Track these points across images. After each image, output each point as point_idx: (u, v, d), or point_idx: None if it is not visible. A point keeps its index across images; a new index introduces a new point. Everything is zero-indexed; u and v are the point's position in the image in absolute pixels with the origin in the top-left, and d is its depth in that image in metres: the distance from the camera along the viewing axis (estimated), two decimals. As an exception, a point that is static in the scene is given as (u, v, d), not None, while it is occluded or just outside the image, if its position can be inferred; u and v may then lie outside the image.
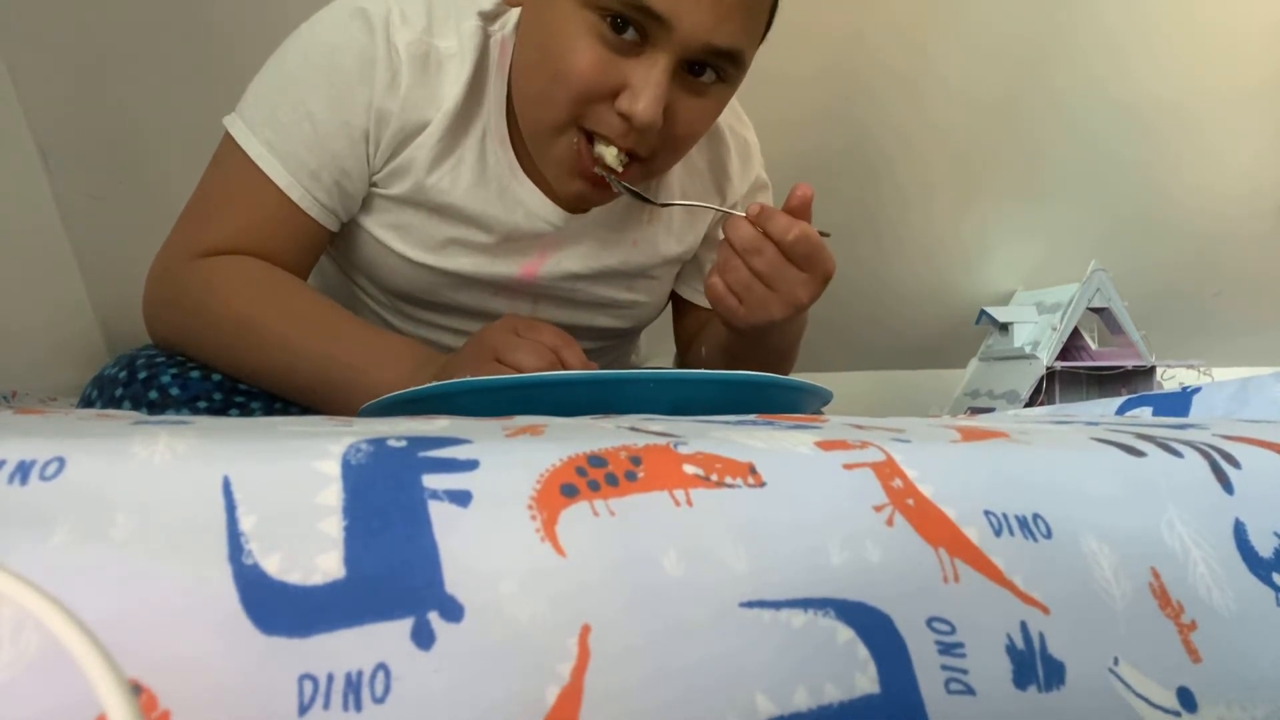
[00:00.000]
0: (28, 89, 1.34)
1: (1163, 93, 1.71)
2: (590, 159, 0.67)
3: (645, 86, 0.62)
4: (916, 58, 1.58)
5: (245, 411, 0.70)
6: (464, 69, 0.70)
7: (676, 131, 0.67)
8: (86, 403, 0.69)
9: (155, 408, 0.66)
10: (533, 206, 0.75)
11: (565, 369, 0.58)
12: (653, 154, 0.68)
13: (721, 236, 0.68)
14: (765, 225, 0.64)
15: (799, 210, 0.65)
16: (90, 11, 1.29)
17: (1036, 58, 1.63)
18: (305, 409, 0.72)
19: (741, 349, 0.78)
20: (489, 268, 0.78)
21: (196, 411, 0.67)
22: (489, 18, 0.72)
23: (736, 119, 0.88)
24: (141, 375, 0.68)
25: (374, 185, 0.74)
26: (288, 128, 0.69)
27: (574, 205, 0.75)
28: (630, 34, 0.61)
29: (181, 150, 1.39)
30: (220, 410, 0.68)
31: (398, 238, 0.75)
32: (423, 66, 0.70)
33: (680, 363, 1.01)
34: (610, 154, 0.66)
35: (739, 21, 0.62)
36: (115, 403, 0.67)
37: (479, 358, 0.59)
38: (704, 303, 0.92)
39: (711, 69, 0.65)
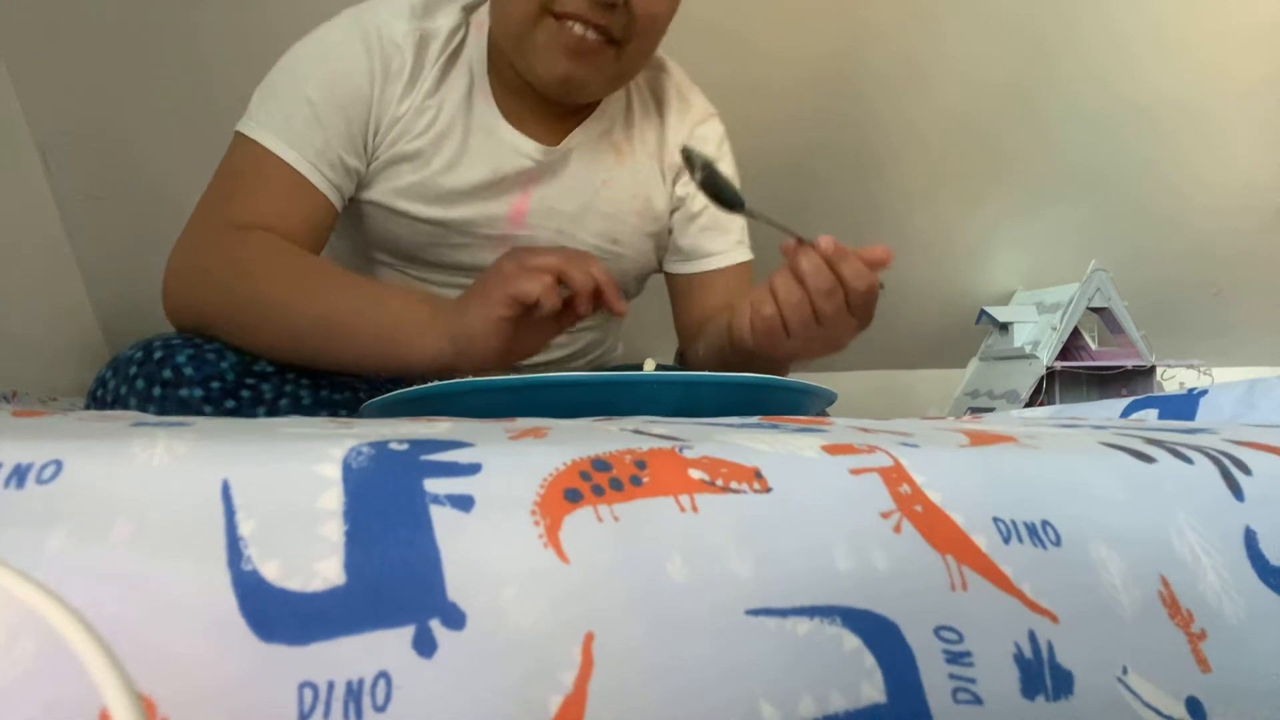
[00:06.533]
0: (28, 89, 1.34)
1: (1169, 88, 1.70)
2: (569, 32, 0.74)
3: None
4: (925, 43, 1.58)
5: (255, 393, 0.71)
6: (451, 40, 0.82)
7: (638, 11, 0.75)
8: (101, 383, 0.71)
9: (169, 385, 0.68)
10: (515, 144, 0.85)
11: (573, 286, 0.65)
12: (625, 37, 0.76)
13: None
14: (839, 266, 0.65)
15: (874, 265, 0.66)
16: (90, 12, 1.28)
17: (1043, 51, 1.62)
18: (313, 384, 0.75)
19: (744, 366, 0.79)
20: (483, 210, 0.85)
21: (209, 391, 0.69)
22: (469, 9, 0.84)
23: (690, 87, 0.97)
24: (157, 355, 0.70)
25: (375, 158, 0.82)
26: (291, 115, 0.76)
27: (563, 92, 0.81)
28: None
29: (181, 150, 1.39)
30: (232, 390, 0.70)
31: (402, 198, 0.83)
32: (420, 49, 0.80)
33: (681, 358, 1.01)
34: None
35: None
36: (130, 381, 0.69)
37: (484, 294, 0.65)
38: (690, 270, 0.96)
39: None
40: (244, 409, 0.70)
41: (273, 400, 0.72)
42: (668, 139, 0.93)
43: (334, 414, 0.75)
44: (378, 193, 0.83)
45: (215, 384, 0.69)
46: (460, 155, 0.83)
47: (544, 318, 0.66)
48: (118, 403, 0.69)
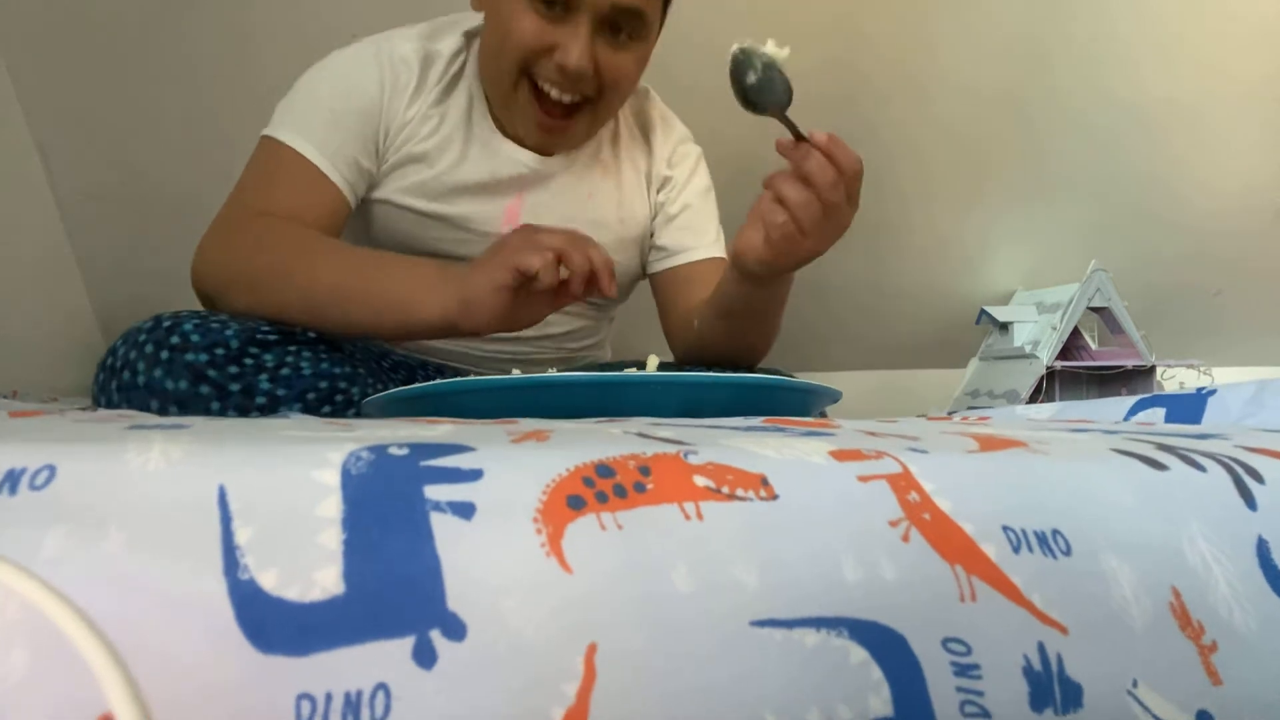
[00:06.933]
0: (28, 89, 1.34)
1: (1166, 91, 1.70)
2: (547, 104, 0.85)
3: (572, 42, 0.81)
4: (920, 53, 1.57)
5: (258, 361, 0.75)
6: (453, 62, 0.92)
7: (607, 78, 0.85)
8: (112, 352, 0.75)
9: (176, 350, 0.72)
10: (511, 153, 0.94)
11: (570, 267, 0.70)
12: (598, 95, 0.86)
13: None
14: (836, 154, 0.69)
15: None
16: (90, 12, 1.28)
17: (1040, 54, 1.62)
18: (313, 356, 0.77)
19: (752, 302, 0.84)
20: (480, 208, 0.93)
21: (214, 356, 0.73)
22: (470, 35, 0.94)
23: (670, 113, 1.07)
24: (166, 324, 0.74)
25: (385, 160, 0.90)
26: (310, 119, 0.86)
27: (543, 150, 0.93)
28: (558, 8, 0.81)
29: (181, 151, 1.39)
30: (235, 357, 0.73)
31: (409, 195, 0.91)
32: (426, 65, 0.90)
33: (675, 350, 1.02)
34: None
35: None
36: (139, 347, 0.73)
37: (491, 261, 0.71)
38: (683, 260, 1.02)
39: (624, 29, 0.84)
40: (247, 375, 0.73)
41: (274, 369, 0.75)
42: (654, 154, 1.03)
43: (333, 386, 0.78)
44: (386, 191, 0.91)
45: (220, 350, 0.73)
46: (462, 158, 0.92)
47: (542, 292, 0.71)
48: (126, 368, 0.72)
